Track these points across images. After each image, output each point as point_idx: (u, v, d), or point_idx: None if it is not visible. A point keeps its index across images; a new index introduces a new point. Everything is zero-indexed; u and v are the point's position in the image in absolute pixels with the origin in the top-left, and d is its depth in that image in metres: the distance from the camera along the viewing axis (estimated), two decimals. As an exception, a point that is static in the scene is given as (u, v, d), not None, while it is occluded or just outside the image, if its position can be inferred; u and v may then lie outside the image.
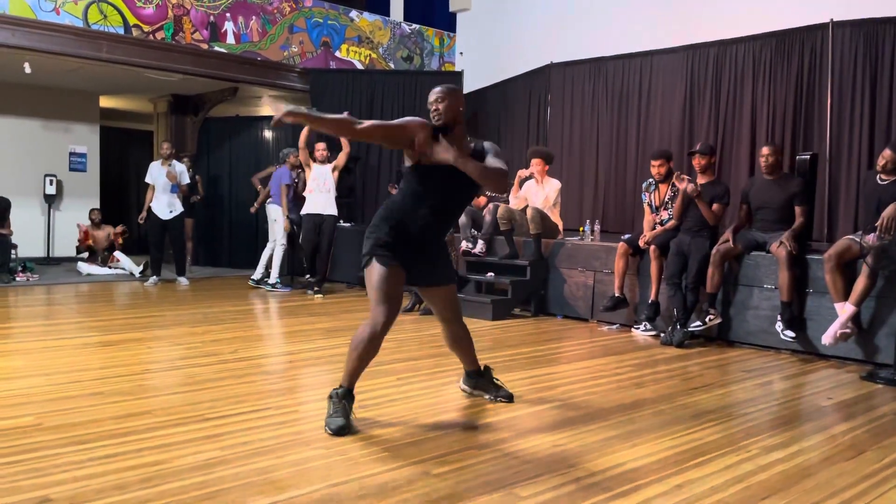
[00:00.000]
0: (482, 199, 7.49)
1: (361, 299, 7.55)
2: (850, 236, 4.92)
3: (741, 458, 2.88)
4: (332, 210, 7.77)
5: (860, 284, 4.60)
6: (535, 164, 6.82)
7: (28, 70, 8.50)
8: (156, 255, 8.57)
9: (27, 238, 9.96)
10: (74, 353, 4.68)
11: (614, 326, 6.11)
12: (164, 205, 8.40)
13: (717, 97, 7.59)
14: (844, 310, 4.64)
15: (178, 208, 8.50)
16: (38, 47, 7.95)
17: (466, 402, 3.65)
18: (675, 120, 7.92)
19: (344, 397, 3.20)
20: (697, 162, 5.63)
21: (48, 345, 4.94)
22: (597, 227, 7.01)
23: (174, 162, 8.51)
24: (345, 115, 3.37)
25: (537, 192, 6.81)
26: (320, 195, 7.71)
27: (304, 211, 7.81)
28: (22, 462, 2.60)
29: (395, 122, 3.30)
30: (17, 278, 8.31)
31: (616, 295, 5.89)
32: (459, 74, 10.25)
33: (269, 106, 11.20)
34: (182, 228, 8.76)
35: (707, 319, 5.33)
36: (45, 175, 10.57)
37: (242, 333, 5.48)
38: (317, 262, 7.95)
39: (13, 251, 8.70)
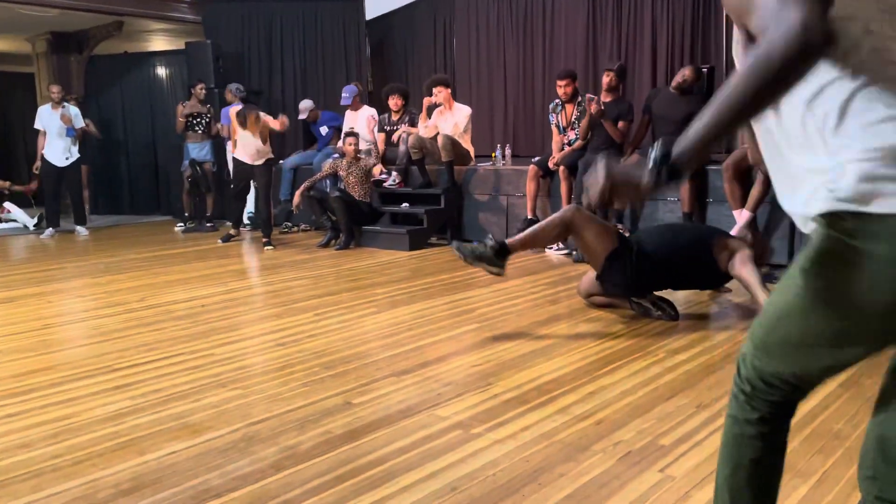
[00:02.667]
0: (381, 137, 7.34)
1: (277, 238, 7.39)
2: (746, 145, 5.11)
3: (649, 362, 3.02)
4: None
5: (755, 191, 4.82)
6: (440, 92, 6.72)
7: None
8: (52, 205, 8.07)
9: None
10: (-34, 313, 4.39)
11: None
12: (60, 151, 7.87)
13: (619, 14, 7.62)
14: (742, 216, 4.86)
15: (75, 154, 7.99)
16: None
17: (386, 332, 3.66)
18: (579, 39, 7.93)
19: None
20: (609, 78, 5.66)
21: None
22: (507, 152, 7.04)
23: (66, 104, 7.93)
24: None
25: (447, 120, 6.74)
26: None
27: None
28: (-87, 430, 2.45)
29: None
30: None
31: (529, 217, 5.97)
32: (361, 3, 9.88)
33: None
34: (79, 175, 8.25)
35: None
36: (-86, 126, 9.70)
37: (149, 281, 5.27)
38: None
39: None
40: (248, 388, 2.82)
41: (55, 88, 8.04)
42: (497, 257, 3.51)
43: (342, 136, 7.19)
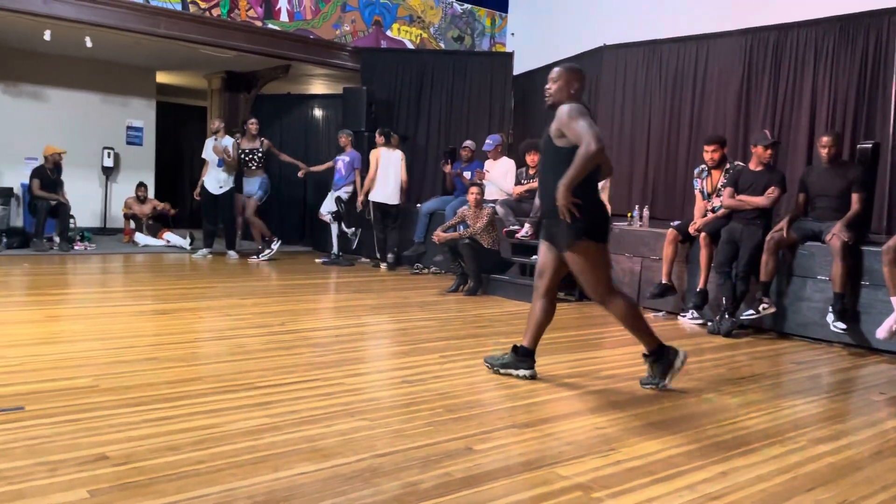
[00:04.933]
0: (518, 188, 7.50)
1: (408, 278, 7.62)
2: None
3: (788, 448, 2.84)
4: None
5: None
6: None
7: (89, 44, 8.72)
8: (208, 228, 8.81)
9: (85, 208, 10.29)
10: (129, 320, 4.83)
11: (660, 314, 6.04)
12: (214, 180, 8.60)
13: (776, 83, 7.36)
14: (900, 304, 4.50)
15: (229, 184, 8.68)
16: (98, 22, 8.15)
17: (509, 383, 3.67)
18: (730, 106, 7.72)
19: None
20: (761, 152, 5.46)
21: (104, 311, 5.12)
22: (645, 213, 6.92)
23: (224, 137, 8.68)
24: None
25: (586, 176, 6.73)
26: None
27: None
28: (80, 421, 2.71)
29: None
30: (76, 247, 8.60)
31: (664, 282, 5.81)
32: (510, 56, 10.15)
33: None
34: (232, 203, 8.93)
35: (760, 308, 5.21)
36: (104, 147, 10.88)
37: (290, 307, 5.58)
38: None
39: (71, 220, 8.99)
40: (375, 421, 2.91)
41: (216, 122, 8.84)
42: (520, 358, 3.74)
43: (468, 185, 7.40)
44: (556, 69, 3.66)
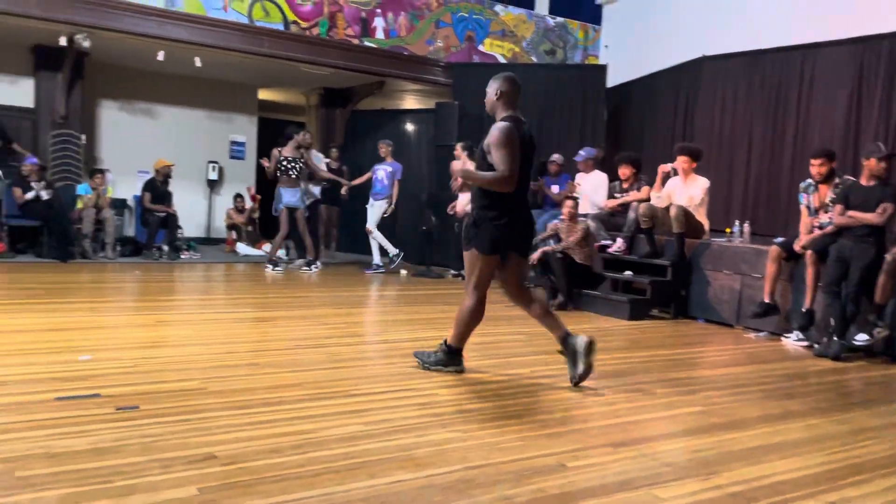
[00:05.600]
0: (611, 202, 7.38)
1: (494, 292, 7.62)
2: None
3: (907, 481, 2.66)
4: None
5: None
6: (682, 162, 6.57)
7: (198, 64, 9.22)
8: (296, 240, 9.13)
9: (191, 220, 10.83)
10: (231, 326, 5.05)
11: (762, 334, 5.78)
12: (299, 193, 8.85)
13: (889, 94, 6.96)
14: None
15: (313, 196, 8.96)
16: (207, 42, 8.61)
17: (602, 401, 3.61)
18: (839, 118, 7.36)
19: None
20: (874, 165, 5.15)
21: (208, 317, 5.37)
22: (746, 229, 6.66)
23: (312, 151, 8.99)
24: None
25: (682, 190, 6.57)
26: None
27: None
28: (190, 421, 2.85)
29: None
30: (182, 256, 9.07)
31: (766, 301, 5.57)
32: (603, 68, 10.05)
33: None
34: (316, 215, 9.16)
35: (874, 332, 4.91)
36: (209, 162, 11.44)
37: (382, 318, 5.68)
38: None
39: (179, 231, 9.49)
40: (467, 433, 2.92)
41: (306, 136, 9.10)
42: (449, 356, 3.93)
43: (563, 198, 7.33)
44: (491, 79, 3.94)
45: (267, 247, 10.10)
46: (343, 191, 9.28)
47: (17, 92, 9.45)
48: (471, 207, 3.92)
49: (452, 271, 8.94)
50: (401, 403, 3.29)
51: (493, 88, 3.88)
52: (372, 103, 11.54)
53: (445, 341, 3.99)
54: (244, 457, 2.49)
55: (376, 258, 8.83)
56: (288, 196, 8.38)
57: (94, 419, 2.78)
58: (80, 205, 8.64)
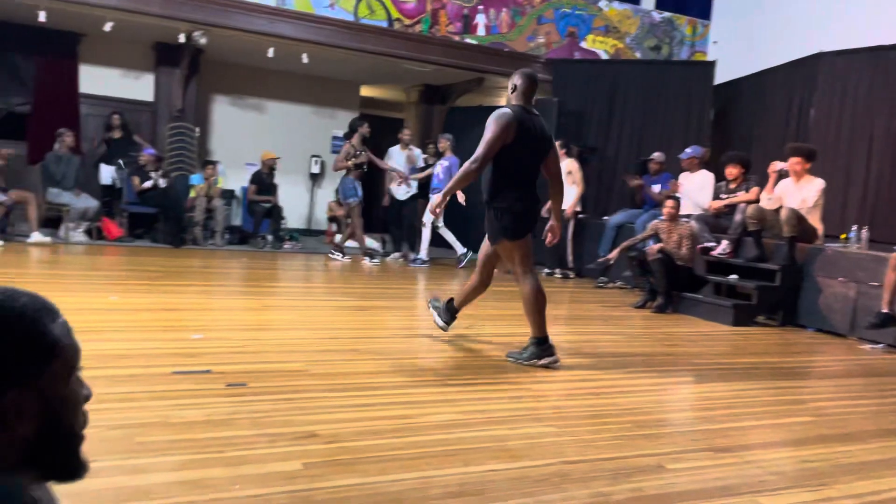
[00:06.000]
0: (716, 203, 7.12)
1: (591, 292, 7.51)
2: None
3: None
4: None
5: None
6: (794, 163, 6.26)
7: (305, 60, 9.53)
8: (395, 233, 9.30)
9: (294, 211, 11.23)
10: (332, 313, 5.21)
11: (879, 346, 5.44)
12: (400, 187, 9.06)
13: None
14: None
15: (414, 189, 9.10)
16: (315, 39, 8.90)
17: (703, 405, 3.50)
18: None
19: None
20: None
21: (310, 304, 5.56)
22: (864, 234, 6.27)
23: (412, 147, 9.14)
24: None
25: (794, 192, 6.26)
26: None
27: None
28: (294, 400, 2.96)
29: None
30: (285, 246, 9.41)
31: (884, 311, 5.23)
32: (711, 64, 9.70)
33: None
34: (415, 209, 9.32)
35: None
36: (312, 156, 11.82)
37: (473, 311, 5.69)
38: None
39: (283, 221, 9.85)
40: (562, 428, 2.90)
41: (407, 132, 9.29)
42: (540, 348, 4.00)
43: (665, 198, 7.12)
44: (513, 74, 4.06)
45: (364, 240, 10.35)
46: (399, 183, 9.35)
47: (139, 86, 10.06)
48: (485, 202, 4.04)
49: (545, 269, 8.86)
50: (494, 395, 3.31)
51: (510, 83, 4.01)
52: (470, 100, 11.60)
53: (532, 336, 4.00)
54: (344, 437, 2.57)
55: (423, 252, 8.80)
56: (357, 188, 8.48)
57: (208, 393, 2.93)
58: (192, 194, 9.12)
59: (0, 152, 7.57)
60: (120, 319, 4.26)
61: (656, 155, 8.27)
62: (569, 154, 8.43)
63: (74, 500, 1.10)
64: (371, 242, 10.12)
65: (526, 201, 3.94)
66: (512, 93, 3.98)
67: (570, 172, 8.31)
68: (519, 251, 4.02)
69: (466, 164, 3.86)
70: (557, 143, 8.42)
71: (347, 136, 8.73)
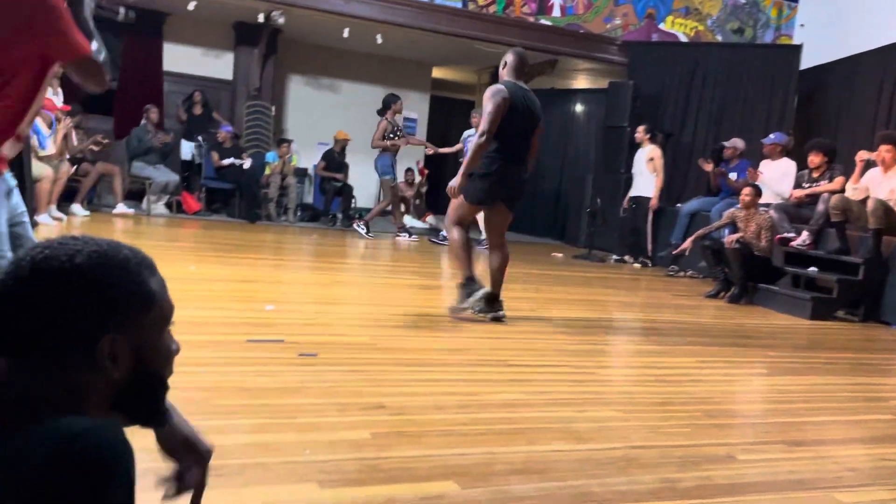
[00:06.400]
0: (798, 192, 6.84)
1: (662, 280, 7.37)
2: None
3: None
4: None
5: None
6: (884, 151, 5.95)
7: (379, 41, 9.61)
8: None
9: (364, 190, 11.38)
10: (398, 290, 5.28)
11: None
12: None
13: None
14: None
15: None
16: (390, 20, 8.95)
17: (776, 398, 3.39)
18: None
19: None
20: None
21: (377, 281, 5.64)
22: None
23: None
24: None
25: (883, 182, 5.95)
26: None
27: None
28: (362, 372, 3.02)
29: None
30: (354, 225, 9.56)
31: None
32: (797, 48, 9.29)
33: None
34: None
35: None
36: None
37: (538, 295, 5.68)
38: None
39: (353, 200, 10.00)
40: (629, 413, 2.87)
41: (476, 116, 9.26)
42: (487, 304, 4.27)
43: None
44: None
45: (431, 219, 10.41)
46: (429, 151, 9.30)
47: (220, 65, 10.35)
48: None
49: (615, 256, 8.73)
50: (559, 378, 3.29)
51: (503, 60, 4.29)
52: (542, 82, 11.44)
53: (461, 279, 4.37)
54: (411, 410, 2.61)
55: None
56: (394, 166, 8.55)
57: (280, 362, 3.02)
58: (267, 171, 9.36)
59: (97, 139, 7.87)
60: (197, 289, 4.42)
61: (735, 141, 8.00)
62: (652, 140, 8.26)
63: (157, 454, 1.15)
64: (437, 222, 10.18)
65: (502, 172, 4.17)
66: (503, 69, 4.26)
67: (651, 159, 8.16)
68: (466, 212, 4.35)
69: (475, 139, 4.10)
70: (641, 128, 8.29)
71: (381, 113, 8.75)
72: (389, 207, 8.85)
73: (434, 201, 11.55)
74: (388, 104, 8.62)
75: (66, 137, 7.10)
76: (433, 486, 2.01)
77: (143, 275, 0.94)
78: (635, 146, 8.61)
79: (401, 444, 2.26)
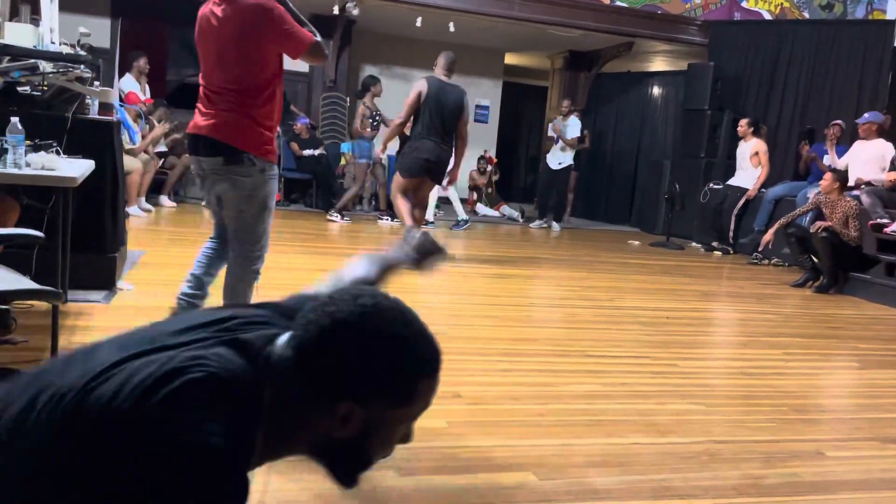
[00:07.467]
0: (892, 175, 6.45)
1: (745, 268, 7.13)
2: None
3: None
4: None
5: None
6: None
7: (452, 29, 9.59)
8: (542, 201, 9.28)
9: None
10: (473, 280, 5.28)
11: None
12: (555, 157, 9.03)
13: None
14: None
15: (567, 161, 9.01)
16: (462, 7, 8.92)
17: (869, 392, 3.24)
18: None
19: None
20: None
21: (451, 270, 5.65)
22: None
23: (571, 118, 9.04)
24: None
25: None
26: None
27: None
28: (437, 361, 3.04)
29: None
30: (328, 215, 9.56)
31: None
32: (891, 24, 8.75)
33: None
34: (567, 180, 9.26)
35: None
36: (455, 125, 11.93)
37: (617, 284, 5.58)
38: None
39: (426, 189, 10.05)
40: (711, 407, 2.80)
41: (566, 102, 9.20)
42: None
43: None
44: None
45: (505, 208, 10.37)
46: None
47: (296, 58, 10.55)
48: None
49: (694, 242, 8.48)
50: (637, 369, 3.23)
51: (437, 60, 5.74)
52: (618, 66, 11.19)
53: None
54: (486, 399, 2.62)
55: (461, 213, 8.74)
56: (371, 149, 8.39)
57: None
58: (343, 162, 9.50)
59: (176, 129, 8.05)
60: (276, 277, 4.53)
61: (839, 122, 7.60)
62: (756, 133, 7.97)
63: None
64: (510, 211, 10.13)
65: (420, 151, 5.35)
66: (434, 67, 5.67)
67: (756, 153, 7.88)
68: (398, 183, 5.49)
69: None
70: (744, 122, 8.00)
71: (359, 96, 8.60)
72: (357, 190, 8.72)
73: (506, 190, 11.50)
74: (368, 87, 8.53)
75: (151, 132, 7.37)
76: (511, 476, 2.02)
77: (423, 373, 0.96)
78: (715, 129, 8.28)
79: (477, 434, 2.28)
